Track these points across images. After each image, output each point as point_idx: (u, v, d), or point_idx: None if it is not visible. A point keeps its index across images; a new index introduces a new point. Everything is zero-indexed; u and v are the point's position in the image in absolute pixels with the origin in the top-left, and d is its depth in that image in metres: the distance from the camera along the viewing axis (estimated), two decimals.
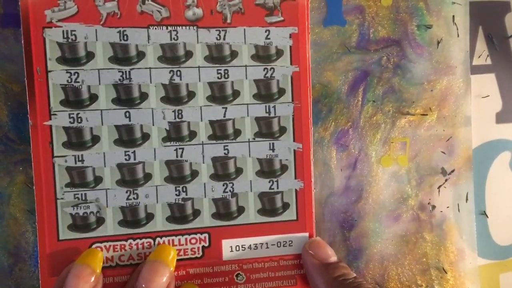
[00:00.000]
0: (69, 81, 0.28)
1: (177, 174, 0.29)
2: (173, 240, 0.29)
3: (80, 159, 0.28)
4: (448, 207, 0.35)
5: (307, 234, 0.31)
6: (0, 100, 0.28)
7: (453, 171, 0.35)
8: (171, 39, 0.29)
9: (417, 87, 0.34)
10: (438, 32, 0.34)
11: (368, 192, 0.33)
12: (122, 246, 0.29)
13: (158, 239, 0.29)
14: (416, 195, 0.34)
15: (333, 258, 0.30)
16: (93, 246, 0.28)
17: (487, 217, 0.36)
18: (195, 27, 0.29)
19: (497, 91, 0.36)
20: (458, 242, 0.35)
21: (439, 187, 0.35)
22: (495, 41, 0.36)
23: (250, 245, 0.30)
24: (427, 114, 0.34)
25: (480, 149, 0.36)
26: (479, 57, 0.36)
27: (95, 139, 0.28)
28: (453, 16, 0.34)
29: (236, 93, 0.30)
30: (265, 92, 0.30)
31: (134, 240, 0.29)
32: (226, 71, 0.30)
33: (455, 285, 0.35)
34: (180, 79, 0.29)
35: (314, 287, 0.30)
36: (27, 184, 0.29)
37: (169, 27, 0.29)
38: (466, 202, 0.35)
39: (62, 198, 0.28)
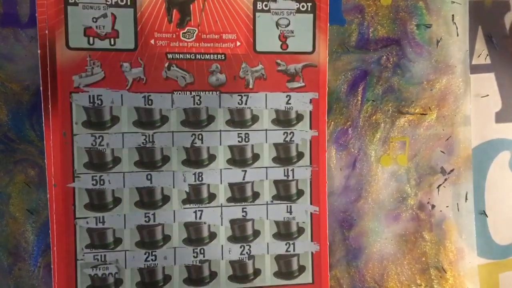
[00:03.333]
0: (94, 144, 0.28)
1: (196, 236, 0.30)
2: None
3: (101, 220, 0.29)
4: (447, 206, 0.35)
5: None
6: (0, 100, 0.29)
7: (452, 170, 0.35)
8: (194, 104, 0.29)
9: (417, 86, 0.34)
10: (438, 31, 0.34)
11: (367, 191, 0.33)
12: None
13: None
14: (416, 195, 0.34)
15: None
16: None
17: (487, 216, 0.36)
18: (218, 92, 0.30)
19: (496, 91, 0.36)
20: (458, 241, 0.35)
21: (438, 187, 0.35)
22: (494, 40, 0.36)
23: None
24: (426, 114, 0.34)
25: (479, 148, 0.36)
26: (479, 56, 0.36)
27: (117, 201, 0.29)
28: (453, 15, 0.34)
29: (255, 157, 0.30)
30: (284, 155, 0.31)
31: None
32: (246, 135, 0.30)
33: (454, 284, 0.35)
34: (202, 143, 0.30)
35: None
36: (26, 183, 0.29)
37: (192, 92, 0.29)
38: (466, 201, 0.35)
39: (82, 259, 0.28)
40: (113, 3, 0.28)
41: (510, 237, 0.36)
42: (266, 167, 0.31)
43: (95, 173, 0.28)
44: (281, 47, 0.30)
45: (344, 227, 0.33)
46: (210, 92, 0.29)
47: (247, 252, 0.30)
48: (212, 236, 0.30)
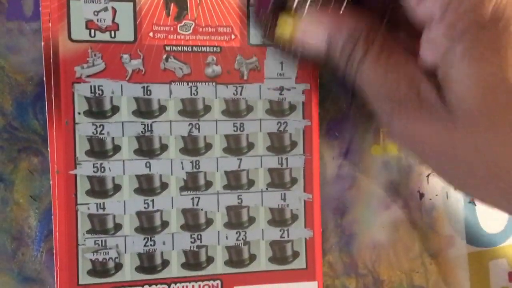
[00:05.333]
0: (95, 133, 0.29)
1: (193, 222, 0.31)
2: (187, 287, 0.31)
3: (101, 206, 0.30)
4: (436, 195, 0.36)
5: (316, 283, 0.32)
6: (5, 90, 0.29)
7: None
8: (191, 94, 0.30)
9: None
10: None
11: (359, 180, 0.34)
12: None
13: (173, 285, 0.30)
14: (406, 183, 0.35)
15: None
16: None
17: (475, 205, 0.36)
18: (214, 83, 0.31)
19: None
20: (447, 229, 0.36)
21: (428, 175, 0.35)
22: None
23: None
24: None
25: None
26: None
27: (117, 188, 0.30)
28: None
29: (250, 145, 0.31)
30: (278, 144, 0.32)
31: (150, 286, 0.30)
32: (241, 125, 0.31)
33: (444, 271, 0.35)
34: (199, 132, 0.31)
35: None
36: (30, 171, 0.30)
37: (189, 83, 0.30)
38: (455, 190, 0.36)
39: (83, 244, 0.29)
40: None
41: (498, 226, 0.37)
42: (261, 156, 0.32)
43: (96, 161, 0.29)
44: None
45: (337, 214, 0.34)
46: (207, 83, 0.31)
47: (242, 238, 0.31)
48: (209, 222, 0.31)
